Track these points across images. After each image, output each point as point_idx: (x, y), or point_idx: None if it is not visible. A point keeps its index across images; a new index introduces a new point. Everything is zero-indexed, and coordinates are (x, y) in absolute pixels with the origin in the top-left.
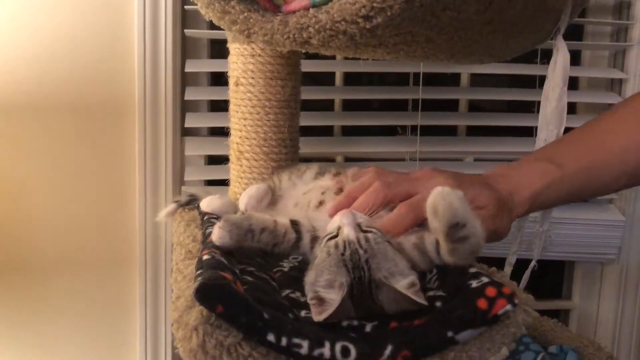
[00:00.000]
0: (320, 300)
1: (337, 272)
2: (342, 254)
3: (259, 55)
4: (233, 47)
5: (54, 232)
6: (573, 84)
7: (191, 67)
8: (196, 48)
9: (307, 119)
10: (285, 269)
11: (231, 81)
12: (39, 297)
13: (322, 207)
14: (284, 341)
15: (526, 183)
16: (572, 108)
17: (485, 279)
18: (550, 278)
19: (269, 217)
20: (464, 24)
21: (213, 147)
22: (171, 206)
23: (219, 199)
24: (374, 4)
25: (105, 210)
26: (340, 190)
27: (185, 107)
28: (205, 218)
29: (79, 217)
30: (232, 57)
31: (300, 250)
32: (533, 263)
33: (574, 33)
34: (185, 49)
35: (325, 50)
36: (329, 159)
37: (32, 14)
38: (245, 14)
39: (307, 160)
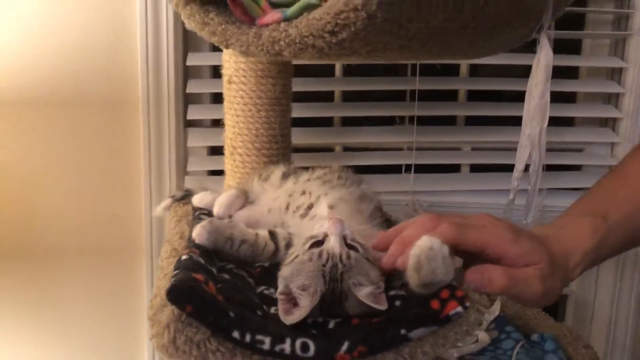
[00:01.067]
0: (289, 297)
1: (315, 280)
2: (324, 265)
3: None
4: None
5: (61, 222)
6: (573, 73)
7: (193, 60)
8: (198, 41)
9: (308, 110)
10: (266, 264)
11: (224, 79)
12: (47, 285)
13: (290, 211)
14: (247, 338)
15: (578, 243)
16: (572, 97)
17: None
18: None
19: (252, 230)
20: (435, 30)
21: (215, 138)
22: (167, 201)
23: (211, 195)
24: (338, 21)
25: (111, 200)
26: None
27: (188, 99)
28: (196, 214)
29: (86, 207)
30: (225, 56)
31: (277, 259)
32: None
33: (575, 21)
34: (187, 42)
35: (298, 60)
36: (328, 149)
37: (37, 10)
38: (223, 26)
39: (308, 150)
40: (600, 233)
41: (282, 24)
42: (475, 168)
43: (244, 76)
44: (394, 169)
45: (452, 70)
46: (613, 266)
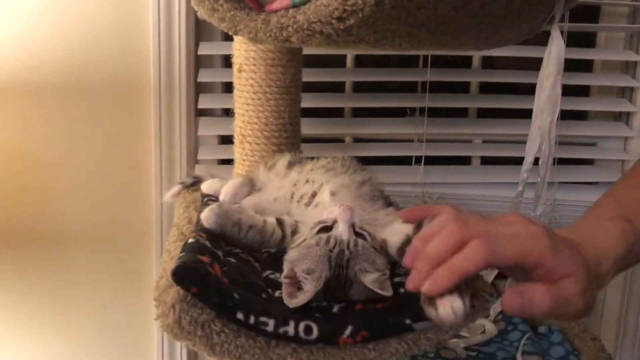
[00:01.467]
0: (293, 280)
1: (320, 265)
2: (330, 251)
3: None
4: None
5: (74, 208)
6: (587, 66)
7: (204, 49)
8: (210, 31)
9: (319, 101)
10: (273, 250)
11: (235, 67)
12: (59, 269)
13: (294, 200)
14: (251, 319)
15: (609, 248)
16: (585, 91)
17: None
18: None
19: (261, 217)
20: (444, 19)
21: (226, 127)
22: (176, 187)
23: (219, 182)
24: (346, 7)
25: (123, 187)
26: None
27: (199, 88)
28: (204, 200)
29: (98, 193)
30: (235, 45)
31: (284, 245)
32: None
33: (590, 14)
34: (199, 31)
35: (306, 46)
36: (339, 140)
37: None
38: (232, 12)
39: (319, 140)
40: (630, 237)
41: (291, 11)
42: (486, 160)
43: (254, 65)
44: (405, 161)
45: (464, 62)
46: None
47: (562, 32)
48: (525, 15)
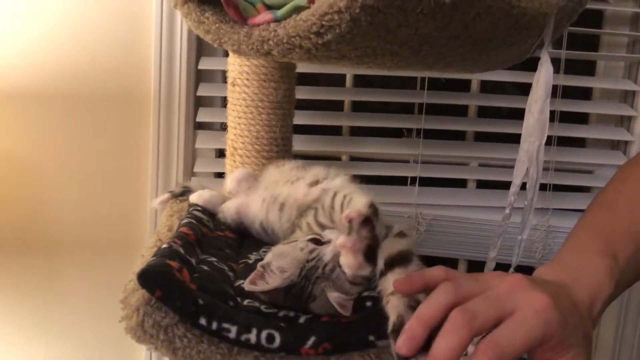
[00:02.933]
0: (265, 272)
1: (293, 268)
2: (308, 261)
3: (254, 59)
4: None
5: (70, 215)
6: (586, 94)
7: (205, 64)
8: (212, 46)
9: (317, 118)
10: (251, 261)
11: (229, 81)
12: (51, 277)
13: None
14: (214, 325)
15: (600, 290)
16: (584, 119)
17: None
18: None
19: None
20: (427, 39)
21: (224, 141)
22: (165, 195)
23: (208, 193)
24: (323, 22)
25: (118, 196)
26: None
27: (199, 102)
28: (190, 209)
29: (94, 203)
30: (230, 59)
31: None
32: (511, 270)
33: (590, 42)
34: (201, 46)
35: (288, 60)
36: (336, 158)
37: (54, 9)
38: (217, 25)
39: (315, 158)
40: (615, 276)
41: (272, 25)
42: (482, 184)
43: (247, 79)
44: (401, 181)
45: (463, 86)
46: (617, 302)
47: (559, 60)
48: (513, 38)
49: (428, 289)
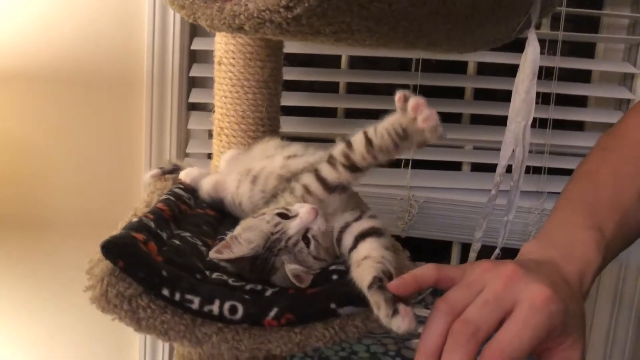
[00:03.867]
0: (233, 242)
1: (258, 240)
2: (272, 233)
3: (240, 37)
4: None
5: (65, 195)
6: (585, 77)
7: (198, 44)
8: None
9: (312, 100)
10: (227, 238)
11: (215, 60)
12: (49, 255)
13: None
14: (177, 296)
15: (589, 264)
16: (583, 102)
17: None
18: None
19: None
20: (402, 15)
21: None
22: (156, 170)
23: (197, 171)
24: None
25: (113, 176)
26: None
27: (192, 82)
28: (172, 187)
29: (89, 181)
30: (217, 38)
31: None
32: (497, 251)
33: (590, 24)
34: (194, 27)
35: (262, 36)
36: (330, 140)
37: None
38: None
39: (310, 140)
40: (602, 249)
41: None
42: (477, 167)
43: (233, 58)
44: (395, 164)
45: (460, 68)
46: (610, 302)
47: (556, 41)
48: (497, 16)
49: (421, 289)
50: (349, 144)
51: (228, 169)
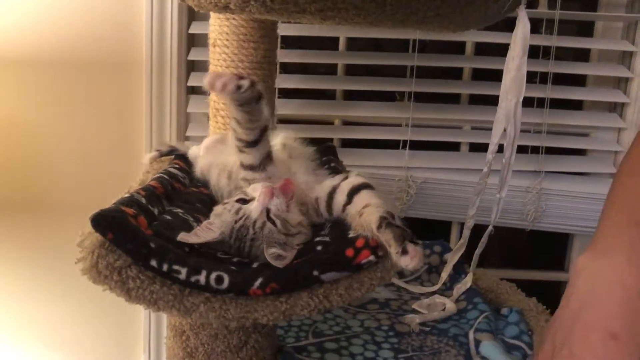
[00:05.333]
0: (204, 227)
1: (223, 227)
2: (235, 222)
3: (233, 19)
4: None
5: (66, 177)
6: (584, 55)
7: (196, 28)
8: None
9: (310, 82)
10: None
11: (210, 42)
12: (51, 237)
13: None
14: (165, 267)
15: None
16: (582, 80)
17: None
18: (556, 250)
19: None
20: None
21: None
22: (154, 153)
23: (198, 149)
24: None
25: (114, 159)
26: None
27: (191, 66)
28: (167, 167)
29: (90, 166)
30: (211, 20)
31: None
32: (490, 229)
33: (589, 3)
34: (192, 11)
35: (247, 16)
36: (328, 122)
37: None
38: None
39: (308, 122)
40: None
41: None
42: (476, 147)
43: (227, 39)
44: (394, 145)
45: (457, 49)
46: None
47: (553, 20)
48: None
49: None
50: None
51: (206, 157)
